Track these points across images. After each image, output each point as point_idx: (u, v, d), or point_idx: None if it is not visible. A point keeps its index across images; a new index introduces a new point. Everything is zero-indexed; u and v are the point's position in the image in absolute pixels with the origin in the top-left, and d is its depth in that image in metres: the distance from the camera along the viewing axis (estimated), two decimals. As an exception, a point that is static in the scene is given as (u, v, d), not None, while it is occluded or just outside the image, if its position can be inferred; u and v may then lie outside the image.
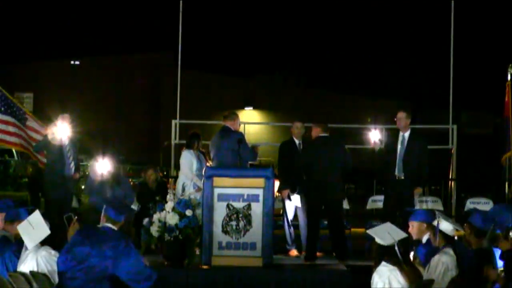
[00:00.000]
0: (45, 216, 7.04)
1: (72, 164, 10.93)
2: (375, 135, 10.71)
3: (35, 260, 6.74)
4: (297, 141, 10.79)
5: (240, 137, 10.06)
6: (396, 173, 10.39)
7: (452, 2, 14.42)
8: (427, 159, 10.39)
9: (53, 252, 6.84)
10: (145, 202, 10.62)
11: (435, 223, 6.92)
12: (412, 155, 10.33)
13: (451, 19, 14.44)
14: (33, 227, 6.81)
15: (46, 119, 12.39)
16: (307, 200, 10.39)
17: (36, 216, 6.94)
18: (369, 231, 6.45)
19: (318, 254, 10.32)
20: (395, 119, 10.60)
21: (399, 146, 10.46)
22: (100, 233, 6.63)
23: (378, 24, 42.24)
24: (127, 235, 7.01)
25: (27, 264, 6.74)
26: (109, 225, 6.75)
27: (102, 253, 6.44)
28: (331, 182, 10.13)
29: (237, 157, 9.85)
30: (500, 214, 7.01)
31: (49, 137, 10.72)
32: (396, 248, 6.05)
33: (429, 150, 10.71)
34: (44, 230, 6.81)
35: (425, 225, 7.20)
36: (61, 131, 10.71)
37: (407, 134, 10.48)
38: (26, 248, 6.79)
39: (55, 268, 6.66)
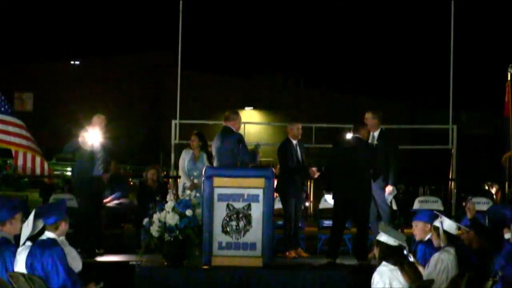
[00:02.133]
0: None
1: (101, 167, 10.84)
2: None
3: (20, 262, 6.82)
4: (294, 142, 10.82)
5: (240, 138, 10.06)
6: None
7: (452, 2, 14.41)
8: (395, 157, 10.43)
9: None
10: (145, 202, 10.62)
11: (437, 223, 6.92)
12: (379, 154, 10.38)
13: (451, 19, 14.42)
14: (27, 226, 6.90)
15: (46, 119, 12.36)
16: (334, 200, 10.36)
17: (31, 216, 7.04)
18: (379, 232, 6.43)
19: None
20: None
21: None
22: (41, 244, 6.78)
23: (378, 24, 42.29)
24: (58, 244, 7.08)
25: (17, 266, 6.82)
26: (50, 233, 6.84)
27: (42, 262, 6.60)
28: (357, 182, 10.06)
29: (237, 157, 9.85)
30: (495, 212, 7.07)
31: (80, 141, 10.67)
32: (405, 250, 6.05)
33: (398, 148, 10.80)
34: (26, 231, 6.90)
35: (429, 225, 7.18)
36: (92, 137, 10.67)
37: (376, 133, 10.61)
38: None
39: None
